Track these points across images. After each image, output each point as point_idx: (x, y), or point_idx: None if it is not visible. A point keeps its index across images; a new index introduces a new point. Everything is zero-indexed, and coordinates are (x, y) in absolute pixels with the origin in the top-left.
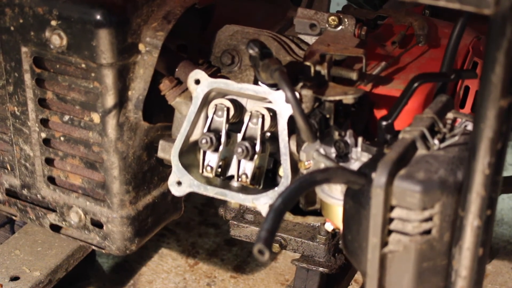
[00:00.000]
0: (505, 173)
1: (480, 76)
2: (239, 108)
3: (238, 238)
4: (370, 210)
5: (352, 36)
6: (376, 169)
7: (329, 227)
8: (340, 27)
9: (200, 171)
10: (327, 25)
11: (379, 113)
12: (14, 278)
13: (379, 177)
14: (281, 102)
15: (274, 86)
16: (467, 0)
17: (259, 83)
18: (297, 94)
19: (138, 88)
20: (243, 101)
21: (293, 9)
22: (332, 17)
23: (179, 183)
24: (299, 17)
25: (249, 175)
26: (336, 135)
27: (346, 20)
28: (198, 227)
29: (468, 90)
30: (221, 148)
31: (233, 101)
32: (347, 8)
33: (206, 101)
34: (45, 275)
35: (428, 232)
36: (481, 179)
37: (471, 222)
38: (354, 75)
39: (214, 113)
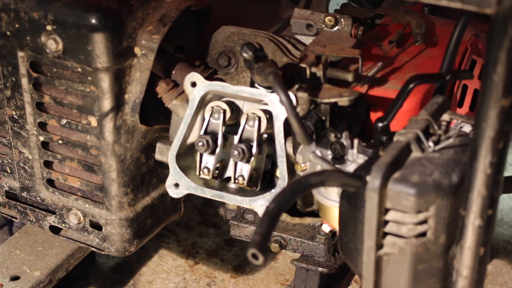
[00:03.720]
0: (505, 173)
1: (482, 76)
2: (236, 110)
3: (238, 238)
4: (365, 212)
5: (348, 37)
6: (370, 172)
7: (326, 228)
8: (336, 27)
9: (197, 173)
10: (323, 26)
11: (376, 114)
12: (15, 278)
13: (373, 181)
14: (277, 104)
15: (270, 88)
16: (468, 0)
17: (256, 85)
18: (293, 96)
19: (134, 91)
20: (239, 103)
21: (291, 8)
22: (329, 18)
23: (176, 185)
24: (295, 17)
25: (246, 177)
26: (332, 137)
27: (342, 20)
28: (198, 227)
29: (466, 88)
30: (217, 150)
31: (229, 103)
32: (345, 7)
33: (202, 103)
34: (45, 274)
35: (423, 234)
36: (483, 178)
37: (473, 221)
38: (349, 77)
39: (211, 115)
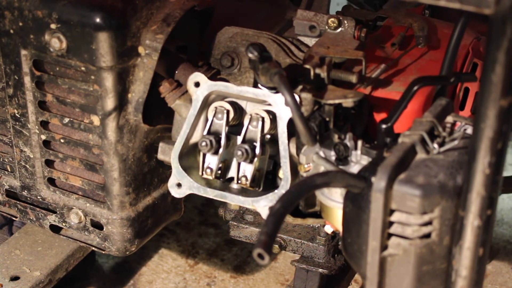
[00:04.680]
0: (505, 173)
1: (481, 76)
2: (239, 111)
3: (238, 239)
4: (370, 213)
5: (351, 38)
6: (376, 173)
7: (328, 229)
8: (339, 29)
9: (200, 173)
10: (326, 27)
11: (379, 116)
12: (14, 278)
13: (378, 182)
14: (280, 105)
15: (274, 89)
16: (467, 0)
17: (259, 85)
18: (297, 97)
19: (138, 91)
20: (242, 103)
21: (293, 10)
22: (332, 19)
23: (179, 185)
24: (298, 18)
25: (249, 177)
26: (335, 138)
27: (345, 22)
28: (198, 227)
29: (467, 91)
30: (221, 150)
31: (232, 104)
32: (347, 9)
33: (205, 103)
34: (45, 275)
35: (427, 236)
36: (482, 178)
37: (472, 221)
38: (353, 78)
39: (214, 115)
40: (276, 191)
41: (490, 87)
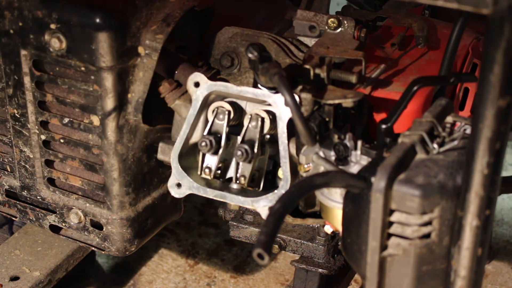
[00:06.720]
0: (505, 173)
1: (479, 76)
2: (239, 111)
3: (237, 239)
4: (370, 214)
5: (351, 38)
6: (376, 173)
7: (328, 229)
8: (339, 29)
9: (199, 172)
10: (326, 27)
11: (379, 116)
12: (14, 278)
13: (378, 182)
14: (280, 105)
15: (274, 89)
16: (465, 0)
17: (259, 85)
18: (297, 97)
19: (137, 91)
20: (242, 103)
21: (293, 10)
22: (332, 19)
23: (178, 185)
24: (298, 19)
25: (248, 177)
26: (335, 138)
27: (345, 22)
28: (198, 227)
29: (467, 91)
30: (220, 151)
31: (232, 104)
32: (346, 9)
33: (205, 103)
34: (45, 275)
35: (427, 236)
36: (480, 179)
37: (470, 222)
38: (353, 78)
39: (215, 116)
40: (275, 191)
41: (489, 87)
